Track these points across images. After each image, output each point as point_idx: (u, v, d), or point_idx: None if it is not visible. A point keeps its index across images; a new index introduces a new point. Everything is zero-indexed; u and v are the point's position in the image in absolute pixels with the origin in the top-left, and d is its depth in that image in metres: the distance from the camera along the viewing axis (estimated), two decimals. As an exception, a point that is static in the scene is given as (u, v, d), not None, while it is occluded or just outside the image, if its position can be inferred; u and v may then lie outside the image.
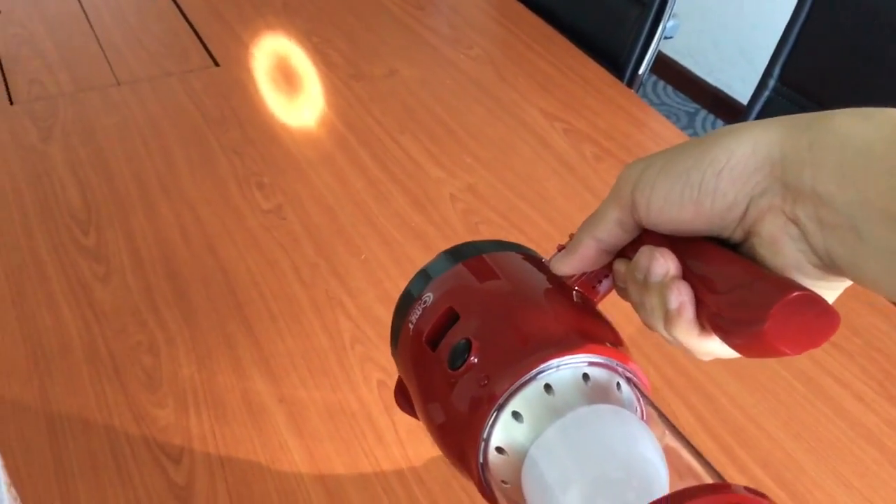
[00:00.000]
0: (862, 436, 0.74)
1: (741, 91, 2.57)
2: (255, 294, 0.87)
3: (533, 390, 0.32)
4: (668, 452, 0.30)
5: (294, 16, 1.42)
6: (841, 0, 1.04)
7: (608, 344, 0.34)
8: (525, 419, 0.32)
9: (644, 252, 0.34)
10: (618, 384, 0.33)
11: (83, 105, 1.18)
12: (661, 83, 2.84)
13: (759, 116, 1.12)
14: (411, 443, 0.73)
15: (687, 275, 0.33)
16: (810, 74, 1.08)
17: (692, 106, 2.74)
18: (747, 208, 0.31)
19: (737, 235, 0.32)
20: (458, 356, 0.34)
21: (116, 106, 1.18)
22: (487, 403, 0.32)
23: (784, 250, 0.31)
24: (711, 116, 2.68)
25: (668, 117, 2.74)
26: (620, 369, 0.34)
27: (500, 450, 0.33)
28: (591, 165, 1.09)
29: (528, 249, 0.42)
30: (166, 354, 0.80)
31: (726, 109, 2.63)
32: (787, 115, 0.31)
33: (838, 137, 0.28)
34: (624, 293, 0.38)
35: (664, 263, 0.33)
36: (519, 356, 0.33)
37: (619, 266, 0.37)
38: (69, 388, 0.77)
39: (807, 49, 1.07)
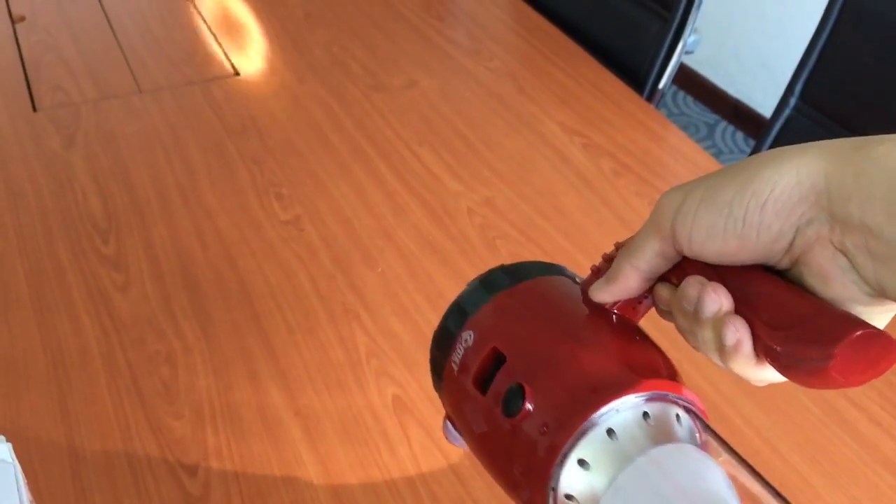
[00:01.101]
0: (878, 461, 0.74)
1: (762, 103, 2.56)
2: (272, 305, 0.88)
3: (595, 436, 0.32)
4: (734, 481, 0.30)
5: (315, 26, 1.43)
6: (865, 19, 1.03)
7: (662, 375, 0.34)
8: (592, 467, 0.32)
9: (692, 284, 0.33)
10: (677, 415, 0.33)
11: (105, 112, 1.19)
12: (682, 94, 2.83)
13: (781, 134, 1.12)
14: (425, 459, 0.73)
15: (738, 306, 0.32)
16: (832, 94, 1.07)
17: (712, 117, 2.73)
18: (794, 239, 0.30)
19: (783, 263, 0.32)
20: (513, 403, 0.34)
21: (138, 114, 1.19)
22: (551, 454, 0.32)
23: (834, 281, 0.30)
24: (731, 128, 2.67)
25: (687, 128, 2.74)
26: (677, 400, 0.33)
27: (569, 496, 0.32)
28: (610, 181, 1.09)
29: (559, 269, 0.42)
30: (183, 365, 0.81)
31: (747, 121, 2.62)
32: (827, 141, 0.30)
33: (885, 168, 0.27)
34: (666, 315, 0.37)
35: (716, 299, 0.32)
36: (576, 402, 0.32)
37: (662, 291, 0.36)
38: (87, 397, 0.77)
39: (829, 68, 1.06)
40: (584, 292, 0.39)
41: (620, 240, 0.39)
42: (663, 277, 0.37)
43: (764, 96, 2.55)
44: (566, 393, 0.33)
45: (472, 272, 0.94)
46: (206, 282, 0.90)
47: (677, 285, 0.35)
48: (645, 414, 0.32)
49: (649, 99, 1.31)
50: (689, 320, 0.34)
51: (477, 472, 0.72)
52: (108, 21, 1.42)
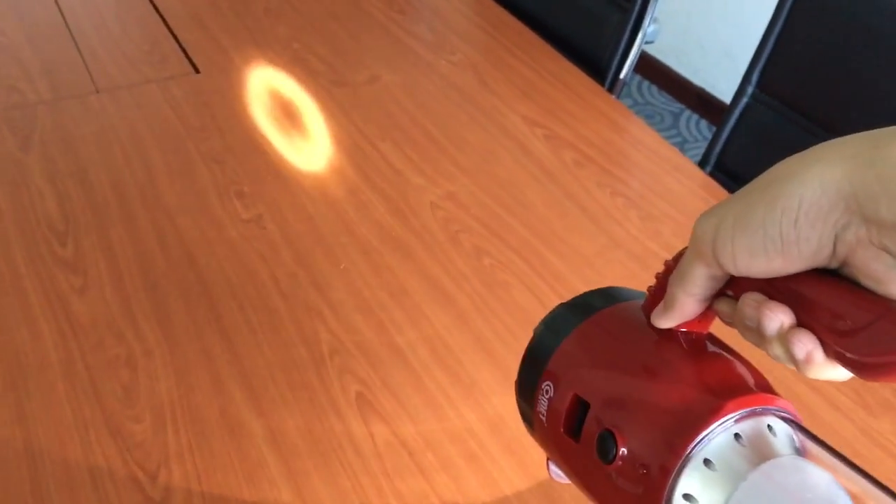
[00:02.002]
0: (836, 444, 0.74)
1: (726, 91, 2.58)
2: (233, 305, 0.87)
3: (694, 468, 0.32)
4: (840, 482, 0.31)
5: (275, 22, 1.41)
6: (819, 8, 1.04)
7: (744, 391, 0.34)
8: (698, 499, 0.32)
9: (748, 304, 0.33)
10: (769, 426, 0.33)
11: (62, 113, 1.17)
12: (646, 83, 2.85)
13: (739, 123, 1.13)
14: (389, 456, 0.73)
15: (800, 314, 0.32)
16: (788, 81, 1.08)
17: (677, 106, 2.75)
18: (835, 245, 0.30)
19: (833, 265, 0.32)
20: (607, 450, 0.35)
21: (95, 114, 1.17)
22: (656, 496, 0.33)
23: (884, 278, 0.30)
24: (696, 116, 2.69)
25: (652, 117, 2.75)
26: (766, 410, 0.33)
27: None
28: (572, 172, 1.09)
29: (619, 293, 0.41)
30: (144, 368, 0.80)
31: (711, 109, 2.64)
32: (839, 142, 0.31)
33: None
34: (730, 325, 0.37)
35: (775, 318, 0.32)
36: (666, 441, 0.33)
37: (722, 307, 0.36)
38: (45, 404, 0.76)
39: (785, 56, 1.07)
40: (647, 315, 0.39)
41: (669, 259, 0.39)
42: (721, 292, 0.36)
43: (728, 85, 2.57)
44: (654, 433, 0.34)
45: (436, 267, 0.94)
46: (167, 283, 0.89)
47: (736, 297, 0.35)
48: (736, 435, 0.32)
49: (611, 89, 1.31)
50: (754, 335, 0.34)
51: (441, 467, 0.73)
52: (64, 19, 1.40)
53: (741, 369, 0.36)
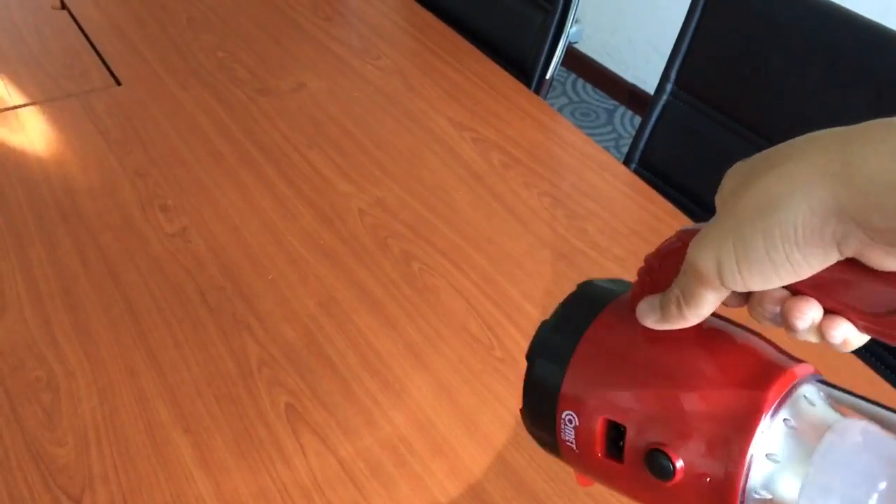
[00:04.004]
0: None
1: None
2: (158, 321, 0.86)
3: (758, 468, 0.32)
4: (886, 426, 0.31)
5: (199, 31, 1.40)
6: (731, 4, 1.07)
7: (774, 371, 0.34)
8: (774, 489, 0.32)
9: (770, 301, 0.33)
10: (804, 397, 0.33)
11: (-22, 131, 1.14)
12: (580, 81, 2.88)
13: (660, 120, 1.15)
14: (320, 466, 0.73)
15: (826, 302, 0.32)
16: (706, 78, 1.11)
17: (611, 103, 2.79)
18: (840, 252, 0.31)
19: (845, 258, 0.32)
20: (662, 468, 0.34)
21: (13, 130, 1.14)
22: (730, 498, 0.33)
23: None
24: (630, 113, 2.73)
25: (587, 115, 2.78)
26: (797, 385, 0.34)
27: None
28: (499, 174, 1.10)
29: (600, 295, 0.39)
30: (66, 389, 0.78)
31: (643, 105, 2.68)
32: (802, 154, 0.31)
33: (882, 183, 0.28)
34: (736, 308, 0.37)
35: (806, 317, 0.33)
36: (722, 447, 0.33)
37: (731, 300, 0.36)
38: (-37, 431, 0.74)
39: (701, 53, 1.10)
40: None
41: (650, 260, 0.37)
42: None
43: (657, 80, 2.61)
44: (707, 442, 0.33)
45: (364, 273, 0.93)
46: (89, 302, 0.88)
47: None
48: (785, 420, 0.33)
49: (537, 90, 1.33)
50: (778, 324, 0.34)
51: (372, 475, 0.72)
52: (-21, 34, 1.36)
53: (755, 344, 0.36)
